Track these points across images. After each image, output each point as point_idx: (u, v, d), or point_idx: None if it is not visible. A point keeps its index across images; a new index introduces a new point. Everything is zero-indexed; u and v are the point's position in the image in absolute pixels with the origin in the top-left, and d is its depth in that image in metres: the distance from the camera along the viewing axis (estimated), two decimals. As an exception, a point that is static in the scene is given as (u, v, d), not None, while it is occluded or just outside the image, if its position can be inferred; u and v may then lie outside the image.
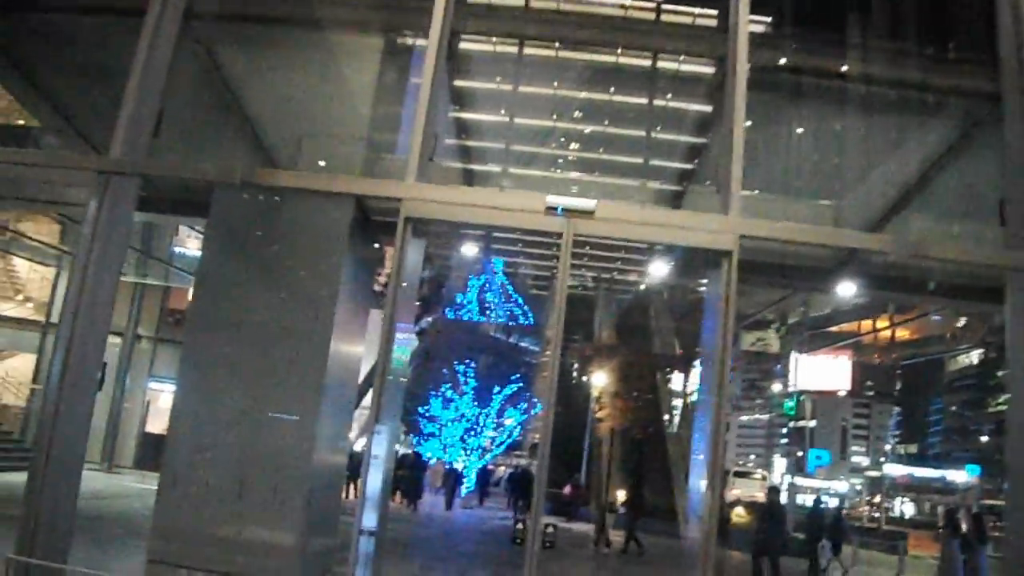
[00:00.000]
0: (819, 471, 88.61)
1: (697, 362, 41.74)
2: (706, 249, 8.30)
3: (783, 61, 11.02)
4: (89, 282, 8.23)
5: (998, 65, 9.18)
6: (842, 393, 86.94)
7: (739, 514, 33.35)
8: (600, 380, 38.92)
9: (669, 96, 12.62)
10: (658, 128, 13.36)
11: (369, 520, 8.78)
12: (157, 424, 31.66)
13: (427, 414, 44.39)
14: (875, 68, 10.95)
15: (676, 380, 44.07)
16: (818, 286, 12.97)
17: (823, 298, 34.76)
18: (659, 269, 17.05)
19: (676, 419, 41.36)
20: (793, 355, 51.73)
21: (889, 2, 11.03)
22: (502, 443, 45.38)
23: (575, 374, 45.69)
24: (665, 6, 12.01)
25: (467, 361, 43.17)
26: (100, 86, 10.39)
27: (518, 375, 43.83)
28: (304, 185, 9.89)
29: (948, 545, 17.77)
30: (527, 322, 45.36)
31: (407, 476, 33.23)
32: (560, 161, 15.08)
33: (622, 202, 9.37)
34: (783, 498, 28.24)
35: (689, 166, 13.83)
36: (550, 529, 7.82)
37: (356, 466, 31.46)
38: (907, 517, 73.29)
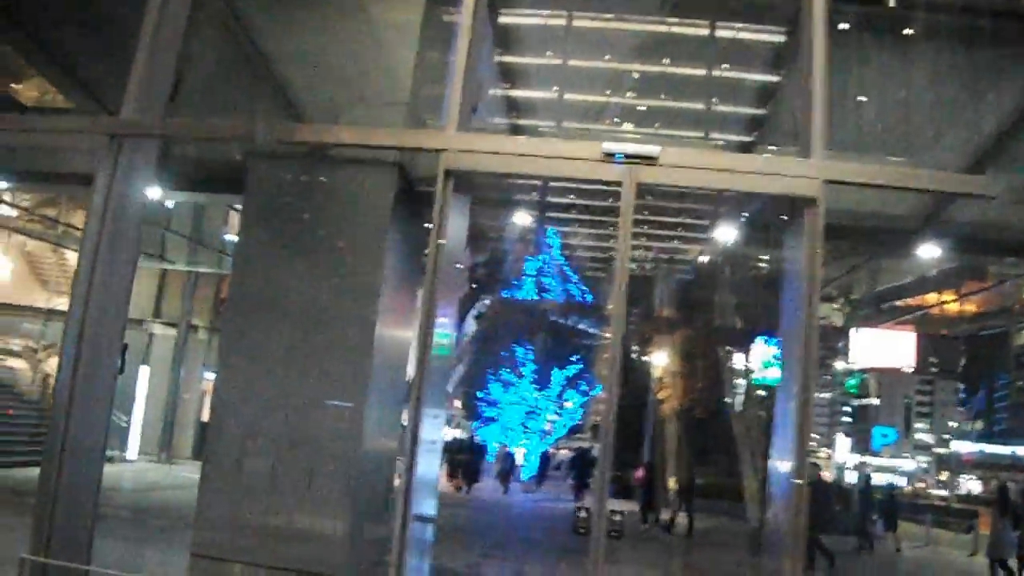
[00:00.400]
0: (884, 449, 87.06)
1: (760, 339, 40.79)
2: (786, 197, 7.36)
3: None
4: (103, 259, 7.57)
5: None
6: (907, 370, 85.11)
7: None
8: (661, 360, 38.13)
9: (737, 27, 11.12)
10: (724, 67, 11.93)
11: (425, 507, 8.18)
12: (214, 415, 31.37)
13: (487, 398, 44.02)
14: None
15: (739, 358, 43.02)
16: (896, 251, 11.92)
17: (887, 271, 33.43)
18: (721, 239, 15.93)
19: (740, 398, 40.30)
20: (855, 331, 50.15)
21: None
22: (563, 426, 44.81)
23: (635, 354, 44.82)
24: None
25: (526, 343, 42.64)
26: (112, 43, 9.65)
27: (578, 356, 43.22)
28: (332, 139, 9.06)
29: (998, 521, 17.73)
30: (585, 301, 44.58)
31: (464, 460, 33.10)
32: (614, 113, 13.67)
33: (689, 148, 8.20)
34: (846, 476, 28.35)
35: (760, 111, 12.40)
36: (617, 517, 7.01)
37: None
38: (975, 495, 71.35)
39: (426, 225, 7.89)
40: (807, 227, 6.75)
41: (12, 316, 33.14)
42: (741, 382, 41.01)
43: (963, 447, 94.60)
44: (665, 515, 25.48)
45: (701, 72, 11.79)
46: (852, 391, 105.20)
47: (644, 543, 20.65)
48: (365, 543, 10.76)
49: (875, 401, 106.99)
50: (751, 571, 16.70)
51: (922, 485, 80.00)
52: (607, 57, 12.07)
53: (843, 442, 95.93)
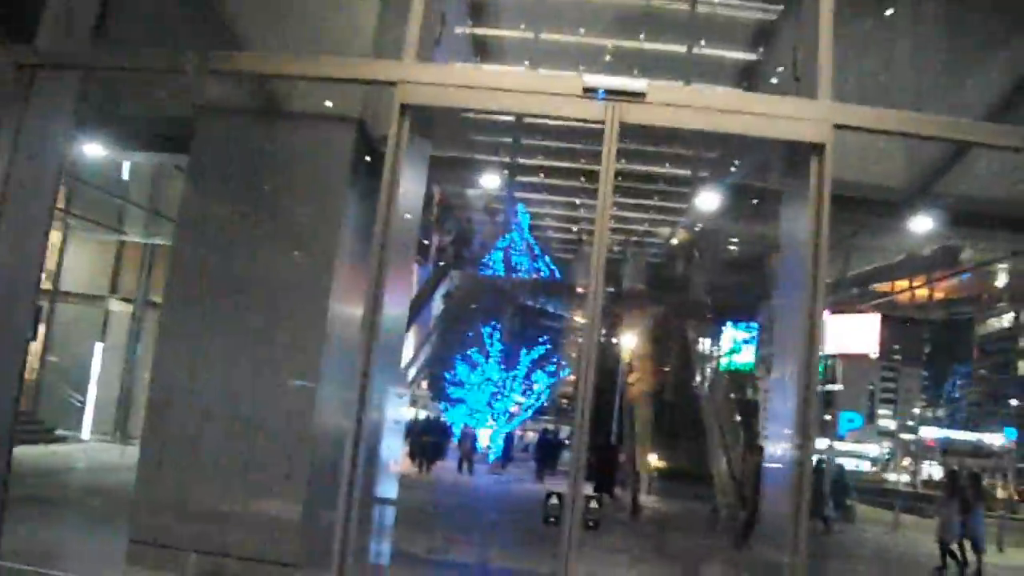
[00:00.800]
0: (850, 434, 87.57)
1: (730, 323, 40.42)
2: (787, 147, 6.63)
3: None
4: (12, 212, 6.69)
5: None
6: (873, 355, 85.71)
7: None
8: (630, 343, 37.71)
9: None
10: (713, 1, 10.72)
11: (384, 489, 7.69)
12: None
13: (453, 379, 43.51)
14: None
15: (709, 342, 42.72)
16: (885, 224, 11.21)
17: (858, 255, 33.02)
18: (700, 210, 15.11)
19: (708, 381, 39.96)
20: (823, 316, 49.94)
21: None
22: (529, 407, 44.35)
23: (603, 337, 44.35)
24: None
25: (493, 323, 42.09)
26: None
27: (546, 337, 42.74)
28: (273, 69, 8.17)
29: (946, 505, 18.15)
30: (555, 279, 43.99)
31: (425, 441, 33.05)
32: (590, 57, 12.40)
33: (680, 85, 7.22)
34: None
35: (751, 55, 11.31)
36: (594, 504, 6.30)
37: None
38: (936, 480, 71.68)
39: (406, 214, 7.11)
40: (813, 180, 6.00)
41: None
42: (711, 365, 40.70)
43: (928, 433, 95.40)
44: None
45: (685, 7, 10.73)
46: (819, 376, 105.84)
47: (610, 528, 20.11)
48: (320, 529, 10.04)
49: (839, 387, 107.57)
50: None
51: (894, 475, 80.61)
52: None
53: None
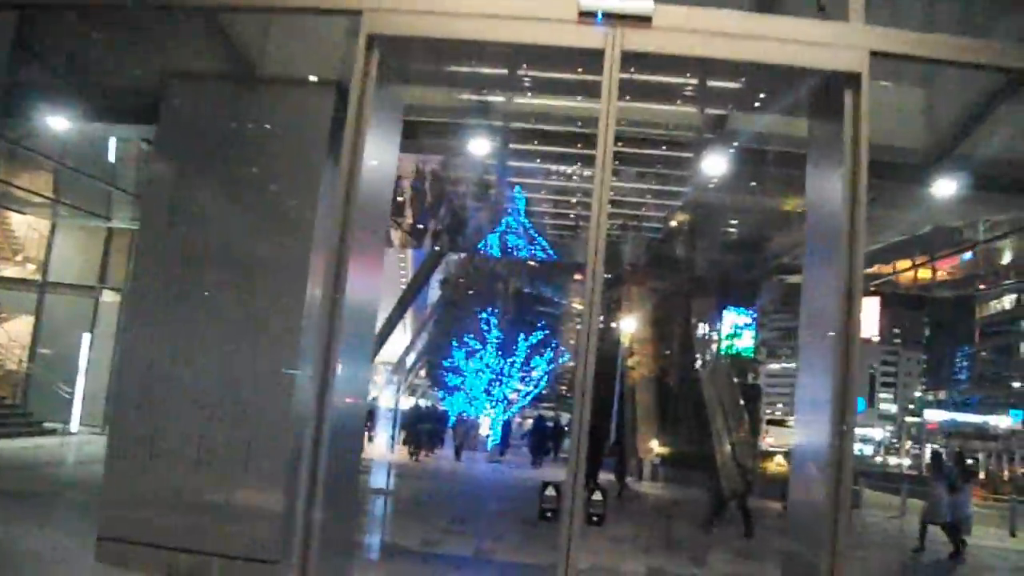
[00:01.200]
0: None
1: (730, 307, 39.81)
2: (818, 74, 5.66)
3: None
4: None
5: None
6: (874, 339, 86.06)
7: (779, 463, 31.53)
8: (629, 326, 37.20)
9: None
10: None
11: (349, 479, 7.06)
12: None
13: (451, 366, 43.01)
14: None
15: (710, 326, 42.14)
16: (906, 188, 10.43)
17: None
18: (706, 176, 14.27)
19: (710, 365, 39.39)
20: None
21: None
22: (526, 395, 43.83)
23: (603, 321, 43.77)
24: None
25: (490, 309, 41.52)
26: None
27: (544, 322, 42.20)
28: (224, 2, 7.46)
29: (933, 485, 18.18)
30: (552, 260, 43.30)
31: (422, 428, 32.60)
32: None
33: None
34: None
35: None
36: (597, 496, 5.54)
37: (369, 419, 30.05)
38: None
39: (372, 163, 6.39)
40: (848, 117, 5.24)
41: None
42: (711, 349, 40.18)
43: (932, 416, 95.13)
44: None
45: None
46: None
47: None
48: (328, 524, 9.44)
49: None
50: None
51: (895, 458, 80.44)
52: None
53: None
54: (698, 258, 35.21)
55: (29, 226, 30.61)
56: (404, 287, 39.86)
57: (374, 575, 10.86)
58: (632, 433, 34.35)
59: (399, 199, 28.80)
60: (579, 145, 11.59)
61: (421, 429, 32.32)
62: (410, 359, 53.12)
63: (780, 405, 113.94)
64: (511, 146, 11.98)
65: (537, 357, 42.86)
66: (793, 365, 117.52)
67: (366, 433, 33.75)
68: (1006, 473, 45.99)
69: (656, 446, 32.73)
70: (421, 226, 32.97)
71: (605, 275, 5.71)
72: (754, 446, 19.58)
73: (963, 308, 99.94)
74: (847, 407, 4.97)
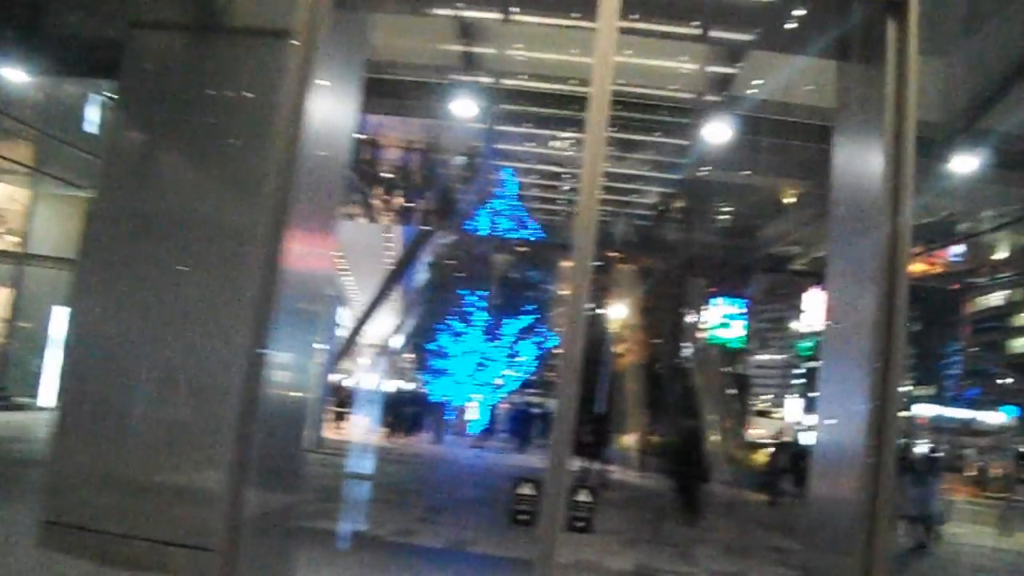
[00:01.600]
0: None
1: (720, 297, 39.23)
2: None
3: None
4: None
5: None
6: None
7: (768, 454, 31.06)
8: (619, 313, 36.66)
9: None
10: None
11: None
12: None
13: (437, 349, 42.50)
14: None
15: (699, 315, 41.60)
16: (923, 165, 9.73)
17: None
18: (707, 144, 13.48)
19: (699, 354, 38.85)
20: (809, 293, 48.83)
21: None
22: (514, 380, 43.28)
23: (591, 307, 43.23)
24: None
25: (478, 292, 40.93)
26: None
27: (532, 307, 41.60)
28: None
29: (899, 478, 17.00)
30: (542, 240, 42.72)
31: (404, 412, 32.95)
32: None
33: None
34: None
35: None
36: (583, 497, 4.63)
37: (343, 400, 29.64)
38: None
39: (322, 118, 5.69)
40: (891, 56, 4.39)
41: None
42: (701, 337, 39.72)
43: (921, 410, 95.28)
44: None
45: None
46: (805, 354, 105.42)
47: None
48: (263, 510, 8.77)
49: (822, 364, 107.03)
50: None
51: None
52: None
53: (795, 404, 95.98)
54: (692, 237, 34.59)
55: (9, 197, 29.86)
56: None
57: (337, 568, 10.16)
58: (620, 421, 33.80)
59: (382, 173, 28.16)
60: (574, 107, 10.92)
61: (401, 412, 31.91)
62: (397, 341, 52.54)
63: (767, 397, 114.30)
64: (501, 106, 11.32)
65: (525, 342, 42.27)
66: (780, 357, 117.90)
67: (343, 414, 33.28)
68: (997, 470, 45.47)
69: (644, 436, 32.18)
70: (410, 204, 32.33)
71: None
72: (743, 436, 19.21)
73: (954, 302, 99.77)
74: (891, 395, 4.20)
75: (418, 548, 11.77)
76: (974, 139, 8.82)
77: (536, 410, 37.15)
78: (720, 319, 40.25)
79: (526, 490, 3.98)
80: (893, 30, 4.59)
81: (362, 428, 32.72)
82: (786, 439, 33.29)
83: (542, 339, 42.38)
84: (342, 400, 33.77)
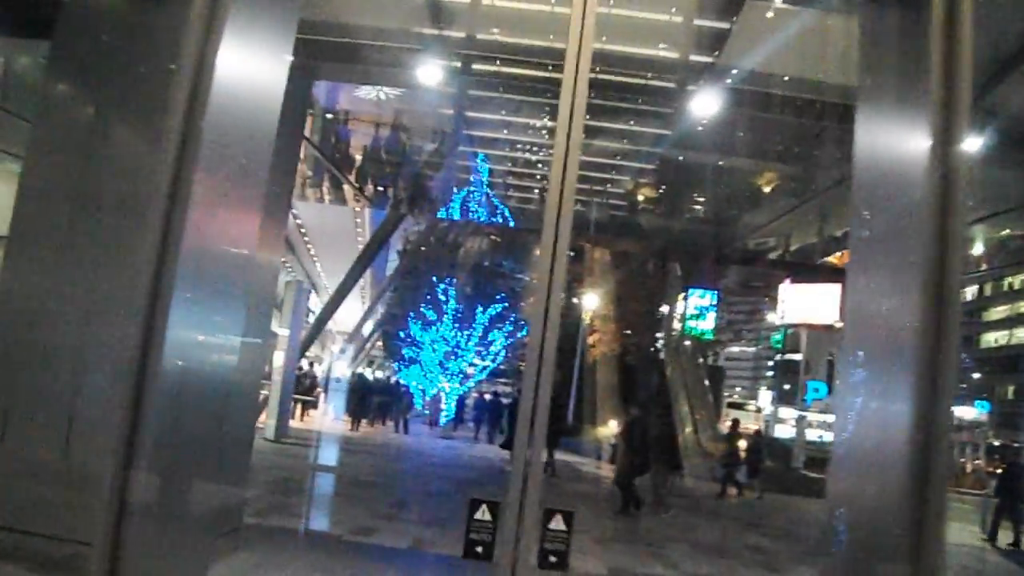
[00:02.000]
0: (815, 403, 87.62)
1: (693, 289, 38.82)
2: None
3: None
4: None
5: None
6: (838, 325, 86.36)
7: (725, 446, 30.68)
8: (592, 303, 36.20)
9: None
10: None
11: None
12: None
13: (407, 338, 41.94)
14: None
15: (672, 306, 41.26)
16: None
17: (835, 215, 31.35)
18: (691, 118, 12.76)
19: (673, 345, 38.47)
20: (784, 286, 48.62)
21: None
22: (483, 369, 42.73)
23: (564, 296, 42.80)
24: None
25: (448, 280, 40.34)
26: None
27: (503, 295, 41.08)
28: None
29: None
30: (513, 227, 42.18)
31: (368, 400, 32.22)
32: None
33: None
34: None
35: None
36: (558, 524, 3.59)
37: (307, 389, 28.90)
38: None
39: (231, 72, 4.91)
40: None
41: None
42: (675, 329, 39.40)
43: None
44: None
45: None
46: (777, 346, 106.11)
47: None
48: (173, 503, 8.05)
49: (798, 356, 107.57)
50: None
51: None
52: None
53: (765, 395, 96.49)
54: (665, 228, 34.10)
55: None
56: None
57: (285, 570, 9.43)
58: (591, 412, 33.35)
59: (351, 153, 27.41)
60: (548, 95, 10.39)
61: (366, 401, 31.42)
62: (366, 328, 51.87)
63: (739, 388, 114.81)
64: (471, 76, 10.66)
65: (496, 331, 41.73)
66: (752, 349, 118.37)
67: (309, 403, 32.59)
68: (969, 466, 45.45)
69: (615, 426, 31.73)
70: (381, 188, 31.65)
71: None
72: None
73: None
74: (946, 388, 3.41)
75: (372, 548, 11.10)
76: (977, 117, 8.29)
77: (506, 400, 36.58)
78: (694, 310, 39.95)
79: (482, 514, 3.19)
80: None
81: (329, 417, 32.13)
82: (742, 430, 32.93)
83: (513, 328, 41.84)
84: (307, 388, 33.15)
